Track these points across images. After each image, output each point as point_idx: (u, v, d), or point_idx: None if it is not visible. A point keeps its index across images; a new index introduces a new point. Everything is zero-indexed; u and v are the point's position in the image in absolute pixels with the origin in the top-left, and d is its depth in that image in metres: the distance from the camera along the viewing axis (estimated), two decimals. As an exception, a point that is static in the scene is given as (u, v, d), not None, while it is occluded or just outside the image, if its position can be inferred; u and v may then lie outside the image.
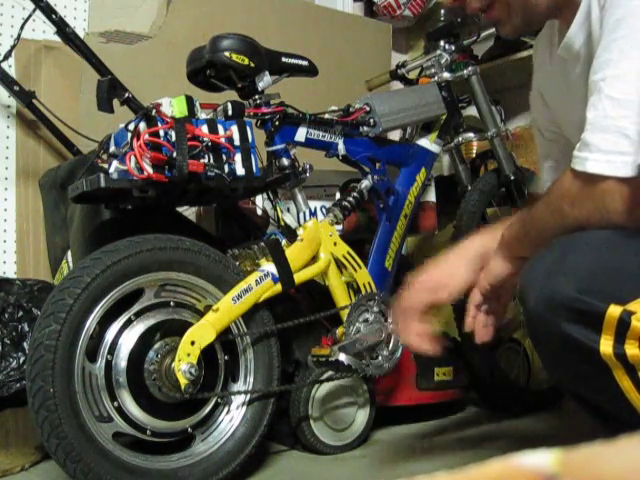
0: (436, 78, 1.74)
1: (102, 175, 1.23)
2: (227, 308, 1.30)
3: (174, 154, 1.24)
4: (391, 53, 2.62)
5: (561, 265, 0.83)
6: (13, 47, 1.81)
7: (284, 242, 1.43)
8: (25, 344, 1.45)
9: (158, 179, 1.24)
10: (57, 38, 1.76)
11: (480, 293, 1.04)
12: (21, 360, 1.44)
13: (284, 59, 1.47)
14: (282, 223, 1.51)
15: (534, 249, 0.92)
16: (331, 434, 1.51)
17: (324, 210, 1.71)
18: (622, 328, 0.76)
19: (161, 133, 1.26)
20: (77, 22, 2.12)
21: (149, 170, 1.23)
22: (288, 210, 1.55)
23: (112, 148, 1.32)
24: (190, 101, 1.33)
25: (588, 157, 0.84)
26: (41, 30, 1.99)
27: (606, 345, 0.78)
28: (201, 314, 1.32)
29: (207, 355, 1.30)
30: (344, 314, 1.45)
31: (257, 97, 1.43)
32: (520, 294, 0.88)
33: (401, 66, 1.82)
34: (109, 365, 1.23)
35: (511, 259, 1.00)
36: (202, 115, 1.35)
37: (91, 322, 1.20)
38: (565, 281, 0.81)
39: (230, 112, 1.39)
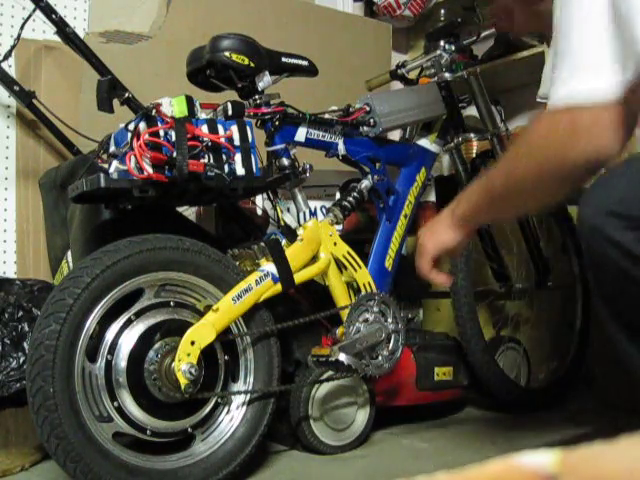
0: (436, 78, 1.74)
1: (102, 175, 1.23)
2: (227, 308, 1.30)
3: (174, 154, 1.24)
4: (391, 53, 2.62)
5: (614, 184, 0.89)
6: (13, 47, 1.81)
7: (284, 242, 1.43)
8: (25, 344, 1.45)
9: (158, 179, 1.24)
10: (57, 38, 1.76)
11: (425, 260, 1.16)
12: (21, 360, 1.44)
13: (284, 59, 1.47)
14: (282, 223, 1.50)
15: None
16: (331, 434, 1.51)
17: (324, 210, 1.71)
18: None
19: (161, 133, 1.26)
20: (77, 22, 2.12)
21: (149, 170, 1.23)
22: (288, 210, 1.55)
23: (112, 148, 1.32)
24: (190, 101, 1.33)
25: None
26: (41, 30, 1.99)
27: None
28: (201, 314, 1.32)
29: (207, 355, 1.30)
30: (344, 314, 1.45)
31: (257, 97, 1.43)
32: (578, 215, 0.93)
33: (401, 66, 1.81)
34: (109, 365, 1.23)
35: (462, 229, 1.09)
36: (202, 115, 1.35)
37: (91, 322, 1.20)
38: (618, 195, 0.87)
39: (230, 112, 1.39)
